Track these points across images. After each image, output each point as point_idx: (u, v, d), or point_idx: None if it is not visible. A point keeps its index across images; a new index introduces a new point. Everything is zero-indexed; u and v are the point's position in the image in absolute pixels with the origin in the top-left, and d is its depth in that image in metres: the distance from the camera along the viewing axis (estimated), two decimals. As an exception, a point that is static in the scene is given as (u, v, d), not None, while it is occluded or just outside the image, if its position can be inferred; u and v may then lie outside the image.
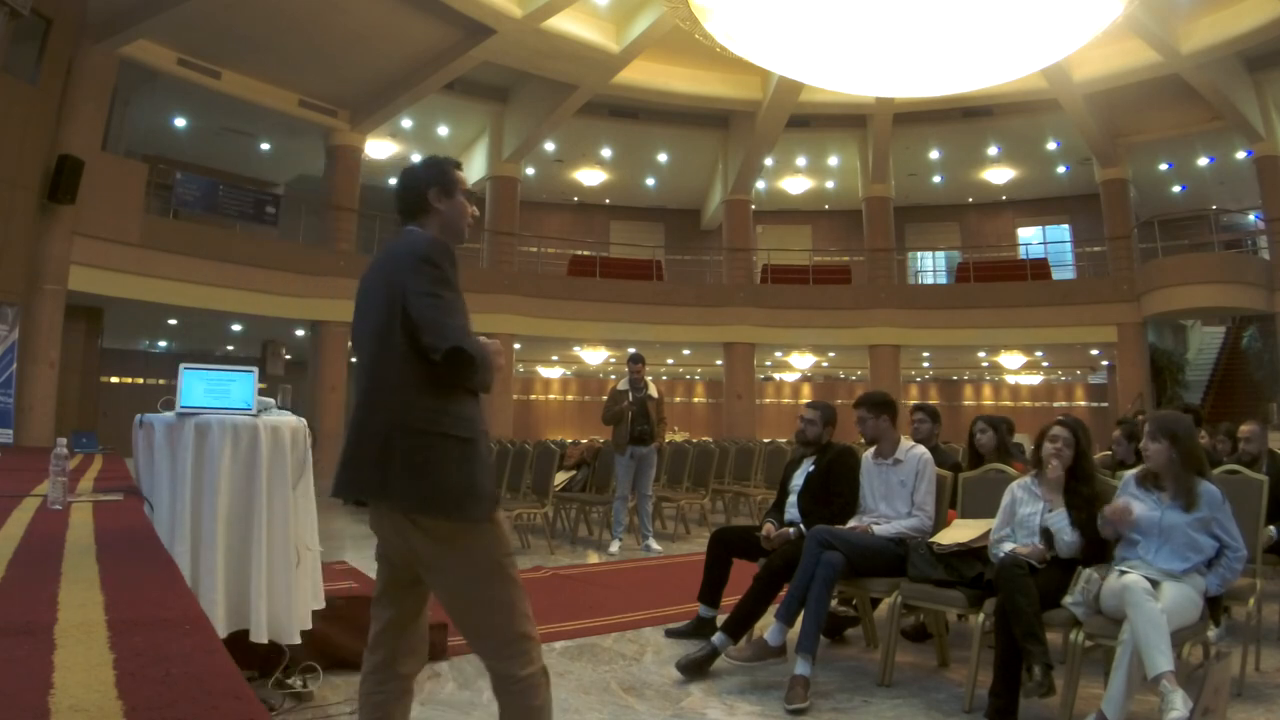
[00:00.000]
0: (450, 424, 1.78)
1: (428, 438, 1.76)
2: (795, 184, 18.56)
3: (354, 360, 2.02)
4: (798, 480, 3.85)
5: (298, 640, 2.62)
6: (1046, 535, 2.97)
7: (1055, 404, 21.70)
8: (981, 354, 18.83)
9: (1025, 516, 3.06)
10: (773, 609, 3.34)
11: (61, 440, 2.73)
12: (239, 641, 2.45)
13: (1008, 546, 3.01)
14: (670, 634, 3.87)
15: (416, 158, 13.76)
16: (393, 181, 2.10)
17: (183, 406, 2.65)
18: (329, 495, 2.07)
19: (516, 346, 15.66)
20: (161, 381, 17.60)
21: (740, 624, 3.39)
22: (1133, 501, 2.86)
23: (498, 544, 1.82)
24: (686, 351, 19.04)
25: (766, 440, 12.01)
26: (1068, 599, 2.73)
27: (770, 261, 17.37)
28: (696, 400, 23.18)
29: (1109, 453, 4.97)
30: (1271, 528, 3.57)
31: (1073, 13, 9.46)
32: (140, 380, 18.39)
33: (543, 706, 1.80)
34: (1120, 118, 14.70)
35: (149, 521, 2.47)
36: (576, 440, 10.81)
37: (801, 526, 3.63)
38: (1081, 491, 2.99)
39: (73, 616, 1.22)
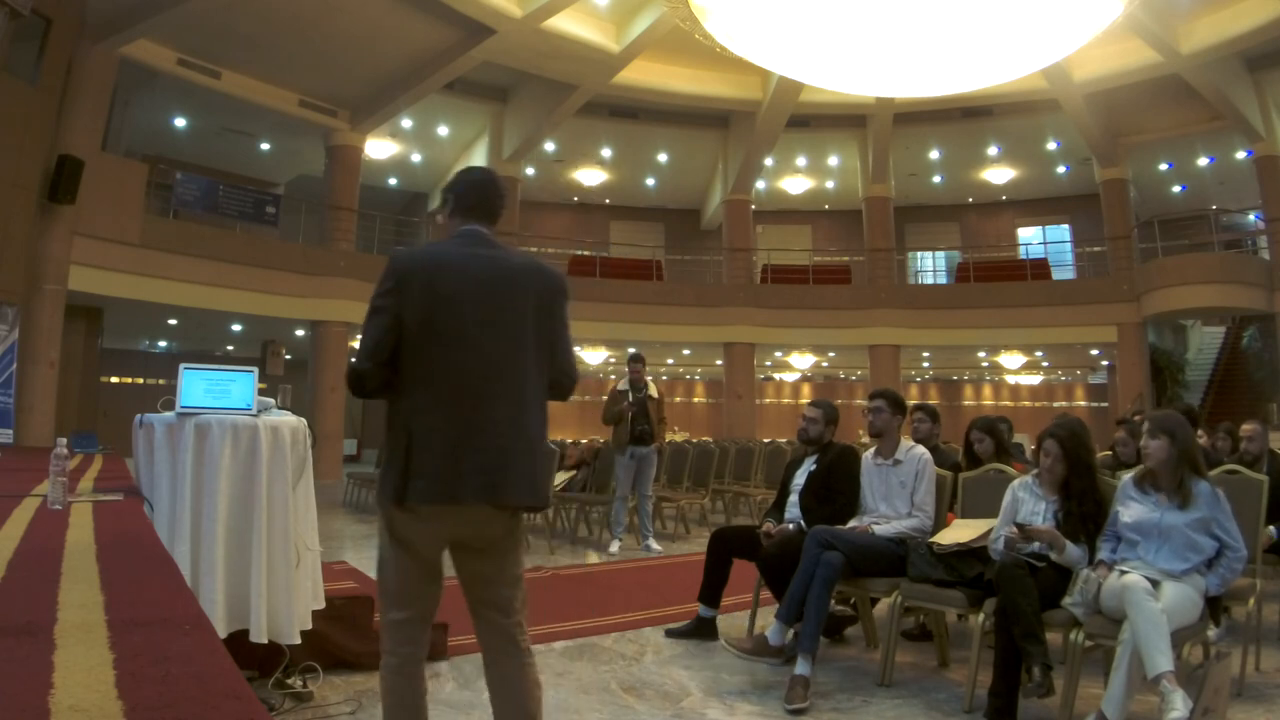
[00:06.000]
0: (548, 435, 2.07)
1: (547, 446, 2.06)
2: (795, 184, 18.56)
3: (458, 339, 1.90)
4: (799, 480, 3.85)
5: (298, 640, 2.62)
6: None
7: (1055, 404, 21.71)
8: (981, 354, 18.84)
9: (1026, 516, 3.06)
10: (773, 609, 3.34)
11: (61, 440, 2.72)
12: (239, 641, 2.45)
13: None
14: (670, 634, 3.87)
15: (416, 158, 13.68)
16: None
17: (183, 406, 2.65)
18: (461, 498, 1.88)
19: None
20: (161, 381, 17.61)
21: (714, 592, 3.83)
22: (1131, 504, 2.86)
23: None
24: (686, 351, 19.04)
25: (766, 440, 12.02)
26: (1068, 599, 2.73)
27: (770, 261, 17.37)
28: (696, 400, 23.19)
29: (1109, 453, 4.96)
30: (1271, 528, 3.57)
31: (1073, 13, 9.46)
32: (140, 380, 18.40)
33: None
34: (1120, 118, 14.70)
35: (149, 521, 2.47)
36: (576, 440, 10.82)
37: (802, 523, 3.64)
38: (1076, 510, 2.97)
39: (73, 616, 1.22)
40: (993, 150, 17.00)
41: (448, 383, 1.88)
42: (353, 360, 1.94)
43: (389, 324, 1.88)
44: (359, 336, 1.98)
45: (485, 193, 2.06)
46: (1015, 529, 2.90)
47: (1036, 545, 2.91)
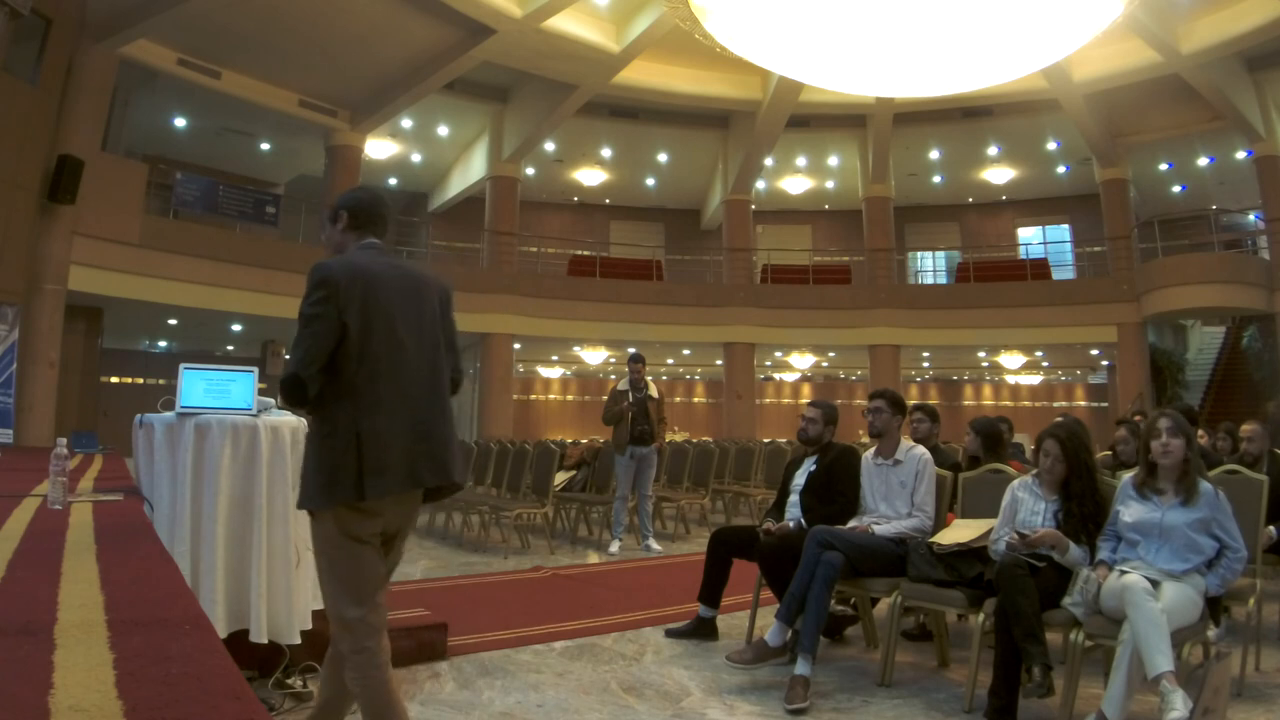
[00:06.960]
0: None
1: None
2: (795, 184, 18.56)
3: (395, 342, 2.02)
4: (799, 480, 3.85)
5: (297, 640, 2.62)
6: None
7: (1055, 404, 21.69)
8: (981, 354, 18.82)
9: (1026, 516, 3.06)
10: (773, 609, 3.34)
11: (61, 440, 2.73)
12: (239, 641, 2.45)
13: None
14: (670, 634, 3.87)
15: (416, 158, 13.69)
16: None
17: (183, 406, 2.65)
18: (424, 483, 2.05)
19: (516, 346, 15.66)
20: (161, 381, 17.58)
21: (714, 592, 3.84)
22: (1132, 504, 2.86)
23: None
24: (686, 351, 19.03)
25: (766, 440, 12.01)
26: (1068, 599, 2.73)
27: (770, 261, 17.37)
28: (696, 400, 23.17)
29: (1109, 453, 4.96)
30: (1271, 528, 3.57)
31: (1073, 13, 9.46)
32: (140, 380, 18.37)
33: None
34: (1120, 118, 14.70)
35: (149, 521, 2.47)
36: (576, 440, 10.81)
37: (803, 521, 3.64)
38: (1076, 511, 2.97)
39: (73, 616, 1.22)
40: (993, 150, 16.99)
41: (393, 383, 2.00)
42: (291, 369, 1.95)
43: (329, 330, 1.94)
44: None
45: (379, 208, 2.19)
46: (1018, 537, 2.90)
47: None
